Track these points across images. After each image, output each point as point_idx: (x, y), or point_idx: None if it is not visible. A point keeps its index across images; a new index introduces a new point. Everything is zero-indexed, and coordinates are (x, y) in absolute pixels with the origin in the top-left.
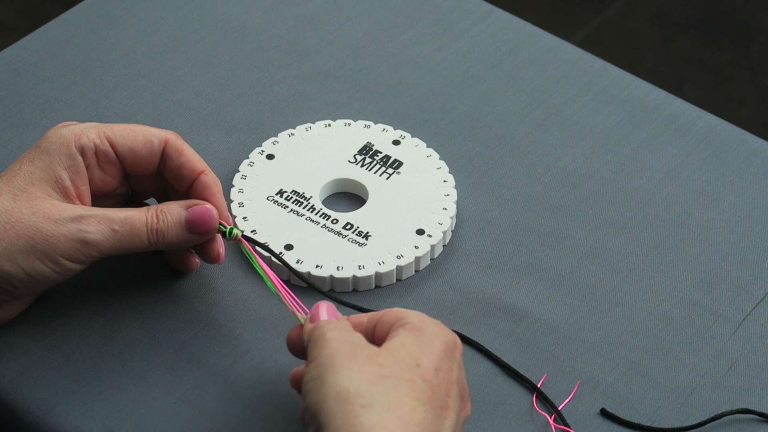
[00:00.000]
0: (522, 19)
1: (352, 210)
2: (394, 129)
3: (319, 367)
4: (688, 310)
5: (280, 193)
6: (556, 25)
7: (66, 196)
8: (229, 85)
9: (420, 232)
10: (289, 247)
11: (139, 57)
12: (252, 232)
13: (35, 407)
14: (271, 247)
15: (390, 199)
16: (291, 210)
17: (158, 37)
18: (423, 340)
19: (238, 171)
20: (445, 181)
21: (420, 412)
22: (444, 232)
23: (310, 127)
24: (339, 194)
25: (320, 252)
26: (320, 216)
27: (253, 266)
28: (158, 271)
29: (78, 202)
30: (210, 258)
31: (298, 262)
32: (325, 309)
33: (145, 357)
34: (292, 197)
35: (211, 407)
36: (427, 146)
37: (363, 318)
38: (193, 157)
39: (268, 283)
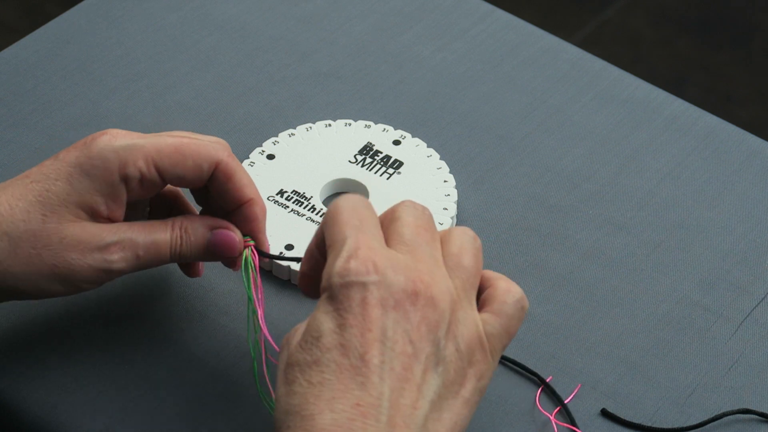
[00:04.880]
0: (522, 19)
1: None
2: (395, 129)
3: None
4: (688, 311)
5: (281, 193)
6: (556, 26)
7: (96, 217)
8: (230, 85)
9: None
10: (289, 247)
11: (140, 57)
12: None
13: (36, 407)
14: (272, 247)
15: (390, 199)
16: (291, 210)
17: (158, 38)
18: (324, 301)
19: None
20: (445, 181)
21: (325, 392)
22: None
23: (311, 127)
24: (339, 194)
25: None
26: (321, 216)
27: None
28: (159, 271)
29: (106, 219)
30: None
31: (298, 261)
32: None
33: (146, 357)
34: (292, 197)
35: (212, 408)
36: (428, 146)
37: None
38: (242, 183)
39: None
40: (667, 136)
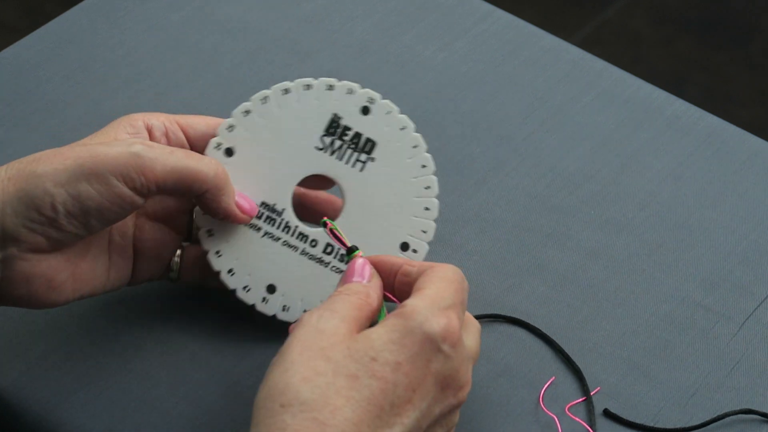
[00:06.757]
0: (522, 19)
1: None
2: (361, 88)
3: (276, 356)
4: (690, 311)
5: None
6: (557, 26)
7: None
8: (232, 85)
9: (404, 246)
10: (271, 289)
11: (141, 57)
12: (229, 272)
13: (37, 407)
14: (252, 291)
15: (367, 203)
16: (265, 233)
17: (160, 37)
18: (399, 330)
19: None
20: (424, 167)
21: (346, 411)
22: (429, 242)
23: (267, 98)
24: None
25: (306, 292)
26: (297, 238)
27: None
28: None
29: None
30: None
31: (284, 309)
32: (356, 269)
33: (147, 357)
34: (263, 214)
35: (213, 408)
36: (400, 112)
37: (412, 269)
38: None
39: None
40: (668, 137)
